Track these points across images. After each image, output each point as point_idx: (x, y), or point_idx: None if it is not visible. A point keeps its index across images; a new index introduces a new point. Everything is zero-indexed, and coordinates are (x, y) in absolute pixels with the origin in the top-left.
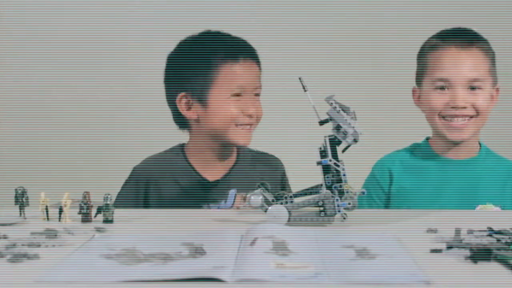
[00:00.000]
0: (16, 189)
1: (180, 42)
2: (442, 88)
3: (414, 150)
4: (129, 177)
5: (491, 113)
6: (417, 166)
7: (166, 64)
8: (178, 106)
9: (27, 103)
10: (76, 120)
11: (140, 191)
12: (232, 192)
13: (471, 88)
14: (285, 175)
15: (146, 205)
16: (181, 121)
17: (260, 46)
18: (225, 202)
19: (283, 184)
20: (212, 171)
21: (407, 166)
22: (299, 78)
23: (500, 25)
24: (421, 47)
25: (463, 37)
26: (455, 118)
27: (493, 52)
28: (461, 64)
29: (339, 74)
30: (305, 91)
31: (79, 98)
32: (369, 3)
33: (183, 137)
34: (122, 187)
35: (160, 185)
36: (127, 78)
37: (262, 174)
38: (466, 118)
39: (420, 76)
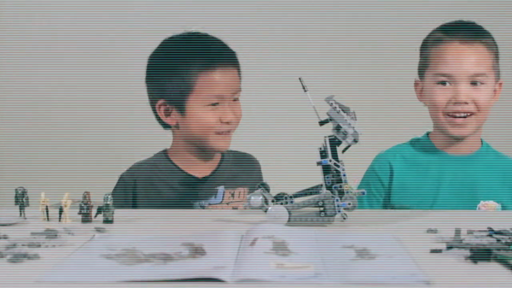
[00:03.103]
0: (16, 189)
1: (160, 44)
2: (443, 83)
3: (414, 145)
4: (116, 185)
5: (492, 110)
6: (418, 161)
7: (147, 65)
8: (158, 113)
9: (27, 103)
10: (76, 120)
11: (128, 197)
12: (221, 189)
13: (473, 83)
14: (260, 172)
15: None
16: (164, 123)
17: (260, 46)
18: (215, 197)
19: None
20: (199, 170)
21: (408, 161)
22: (299, 78)
23: (502, 18)
24: (425, 40)
25: (467, 31)
26: (457, 114)
27: (497, 46)
28: (464, 59)
29: (339, 74)
30: (305, 91)
31: (79, 98)
32: (370, 2)
33: None
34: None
35: (149, 189)
36: (127, 78)
37: (245, 171)
38: (468, 114)
39: (422, 69)
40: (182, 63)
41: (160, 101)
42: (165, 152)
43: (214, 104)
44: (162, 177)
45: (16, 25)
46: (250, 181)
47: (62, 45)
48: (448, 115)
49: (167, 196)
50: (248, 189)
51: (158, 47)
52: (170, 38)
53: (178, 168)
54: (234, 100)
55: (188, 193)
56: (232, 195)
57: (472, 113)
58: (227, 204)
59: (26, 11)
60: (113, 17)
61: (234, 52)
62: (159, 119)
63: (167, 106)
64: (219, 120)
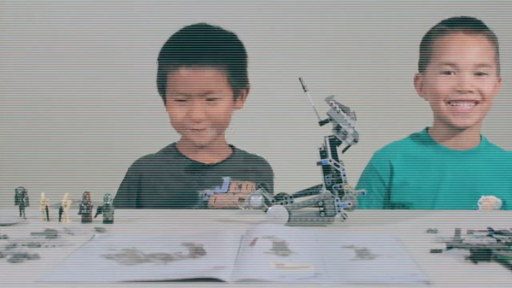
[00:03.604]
0: (16, 189)
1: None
2: (448, 72)
3: (414, 140)
4: (125, 177)
5: (492, 105)
6: (417, 156)
7: None
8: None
9: (27, 103)
10: (76, 120)
11: (137, 186)
12: (226, 179)
13: (477, 74)
14: (272, 179)
15: (141, 199)
16: None
17: (260, 46)
18: (220, 187)
19: (272, 185)
20: (206, 158)
21: (408, 157)
22: (299, 78)
23: (501, 17)
24: (427, 33)
25: (470, 23)
26: (461, 103)
27: (497, 42)
28: (468, 48)
29: (339, 74)
30: (305, 91)
31: (79, 98)
32: (370, 2)
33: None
34: (120, 187)
35: (154, 177)
36: (127, 78)
37: (254, 169)
38: (472, 104)
39: (424, 63)
40: (164, 57)
41: (162, 95)
42: (174, 144)
43: (180, 100)
44: (168, 165)
45: (16, 25)
46: (259, 179)
47: (62, 45)
48: (451, 104)
49: (172, 184)
50: (255, 186)
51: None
52: (180, 30)
53: (186, 157)
54: (210, 100)
55: (193, 180)
56: (240, 186)
57: (476, 102)
58: (233, 194)
59: (26, 11)
60: (113, 17)
61: (219, 52)
62: None
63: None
64: (186, 116)
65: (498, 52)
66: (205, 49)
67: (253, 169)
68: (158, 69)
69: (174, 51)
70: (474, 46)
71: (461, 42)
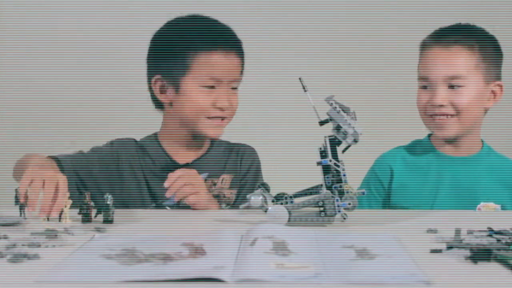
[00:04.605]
0: (16, 190)
1: (165, 24)
2: (424, 87)
3: (415, 146)
4: (100, 148)
5: (494, 112)
6: (418, 162)
7: (150, 44)
8: (153, 88)
9: (27, 103)
10: (76, 120)
11: (108, 165)
12: (202, 176)
13: (451, 87)
14: (259, 164)
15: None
16: (157, 102)
17: (260, 46)
18: None
19: (256, 173)
20: (183, 156)
21: (408, 163)
22: (299, 78)
23: (503, 19)
24: None
25: (449, 35)
26: (436, 117)
27: (491, 49)
28: (439, 62)
29: (339, 74)
30: (305, 91)
31: (79, 97)
32: (370, 2)
33: None
34: (93, 150)
35: (132, 165)
36: (128, 78)
37: (233, 162)
38: (447, 116)
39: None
40: (183, 41)
41: (157, 76)
42: (155, 135)
43: (210, 87)
44: (147, 157)
45: (16, 25)
46: (241, 170)
47: (62, 44)
48: (430, 117)
49: (144, 177)
50: (233, 176)
51: (164, 25)
52: (176, 18)
53: (164, 151)
54: (232, 89)
55: (164, 178)
56: (214, 184)
57: (451, 115)
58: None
59: (26, 11)
60: (113, 17)
61: (239, 40)
62: (153, 96)
63: (163, 82)
64: (212, 104)
65: (487, 59)
66: (233, 36)
67: (235, 158)
68: (177, 54)
69: (207, 34)
70: (445, 59)
71: (433, 56)
